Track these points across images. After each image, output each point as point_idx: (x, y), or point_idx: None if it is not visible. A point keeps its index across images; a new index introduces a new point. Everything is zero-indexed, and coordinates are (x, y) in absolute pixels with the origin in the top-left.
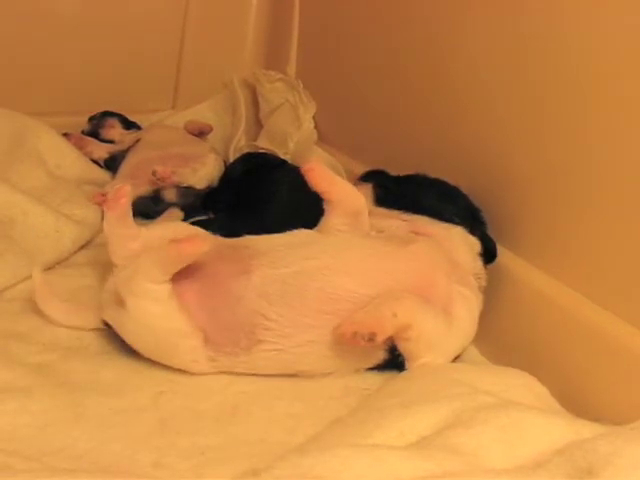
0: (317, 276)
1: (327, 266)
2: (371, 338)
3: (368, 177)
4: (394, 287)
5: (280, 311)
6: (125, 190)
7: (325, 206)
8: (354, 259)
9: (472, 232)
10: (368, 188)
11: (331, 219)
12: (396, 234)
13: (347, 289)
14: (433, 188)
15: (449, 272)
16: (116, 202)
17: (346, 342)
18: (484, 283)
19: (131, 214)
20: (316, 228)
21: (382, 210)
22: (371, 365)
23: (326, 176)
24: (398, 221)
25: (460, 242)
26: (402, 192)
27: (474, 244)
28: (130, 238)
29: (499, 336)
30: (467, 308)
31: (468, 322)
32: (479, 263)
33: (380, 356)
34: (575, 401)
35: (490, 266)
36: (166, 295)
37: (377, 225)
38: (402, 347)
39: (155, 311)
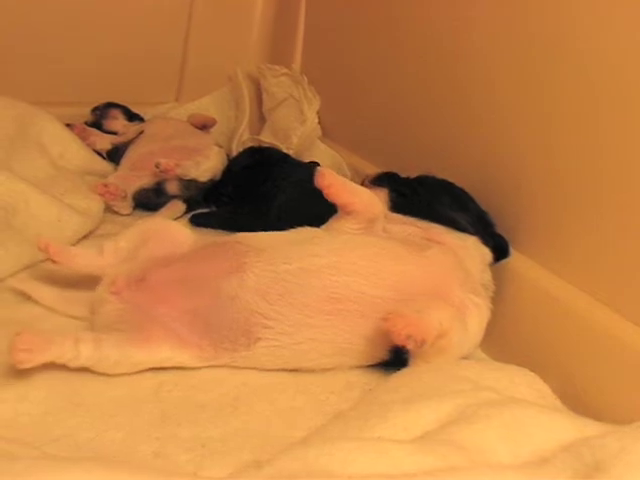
0: (322, 274)
1: (334, 264)
2: (421, 344)
3: (382, 181)
4: (408, 290)
5: (280, 310)
6: (44, 244)
7: (340, 211)
8: (364, 259)
9: (485, 242)
10: (384, 193)
11: (344, 223)
12: (410, 239)
13: (353, 289)
14: (446, 194)
15: (462, 280)
16: (51, 257)
17: (395, 340)
18: (491, 293)
19: (70, 248)
20: (324, 227)
21: (397, 216)
22: (372, 363)
23: (345, 188)
24: (413, 227)
25: (474, 252)
26: (418, 199)
27: (486, 254)
28: (93, 258)
29: (503, 334)
30: (479, 317)
31: (478, 330)
32: (488, 273)
33: (383, 355)
34: (577, 400)
35: (496, 265)
36: (89, 357)
37: (390, 229)
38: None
39: (107, 368)
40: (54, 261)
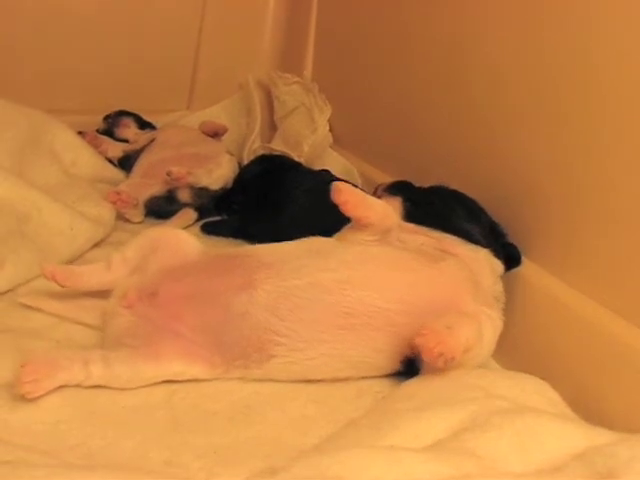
0: (334, 289)
1: (346, 279)
2: (451, 362)
3: (396, 190)
4: (420, 303)
5: (292, 326)
6: (50, 274)
7: (355, 223)
8: (377, 272)
9: (497, 254)
10: (397, 202)
11: (358, 234)
12: (424, 250)
13: (366, 303)
14: (459, 205)
15: (474, 293)
16: (60, 283)
17: (426, 356)
18: (502, 305)
19: (75, 269)
20: (336, 236)
21: (410, 225)
22: (384, 373)
23: (362, 202)
24: (425, 237)
25: (486, 264)
26: (432, 209)
27: (497, 266)
28: (101, 274)
29: (514, 343)
30: (493, 329)
31: (492, 343)
32: (500, 285)
33: (395, 367)
34: (588, 408)
35: (507, 273)
36: (101, 376)
37: (404, 239)
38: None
39: (120, 385)
40: (63, 286)
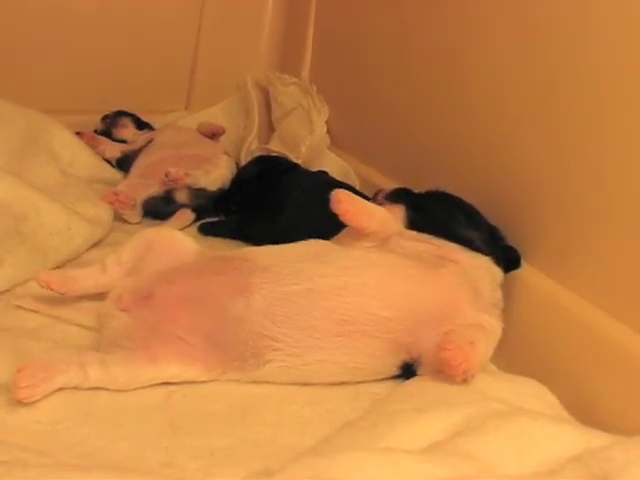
0: (331, 296)
1: (343, 285)
2: (471, 378)
3: (398, 197)
4: (419, 310)
5: (288, 332)
6: (45, 282)
7: (355, 231)
8: (375, 279)
9: (497, 261)
10: (400, 210)
11: (357, 241)
12: (424, 257)
13: (363, 311)
14: (460, 212)
15: (474, 300)
16: (57, 291)
17: (449, 371)
18: (499, 311)
19: (69, 275)
20: (335, 239)
21: (412, 233)
22: (381, 377)
23: (362, 211)
24: (427, 245)
25: (486, 273)
26: (433, 217)
27: (498, 274)
28: (97, 277)
29: (512, 346)
30: (493, 337)
31: (491, 349)
32: (499, 292)
33: (393, 372)
34: (585, 411)
35: (505, 275)
36: (98, 379)
37: (405, 246)
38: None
39: (117, 387)
40: (60, 293)
